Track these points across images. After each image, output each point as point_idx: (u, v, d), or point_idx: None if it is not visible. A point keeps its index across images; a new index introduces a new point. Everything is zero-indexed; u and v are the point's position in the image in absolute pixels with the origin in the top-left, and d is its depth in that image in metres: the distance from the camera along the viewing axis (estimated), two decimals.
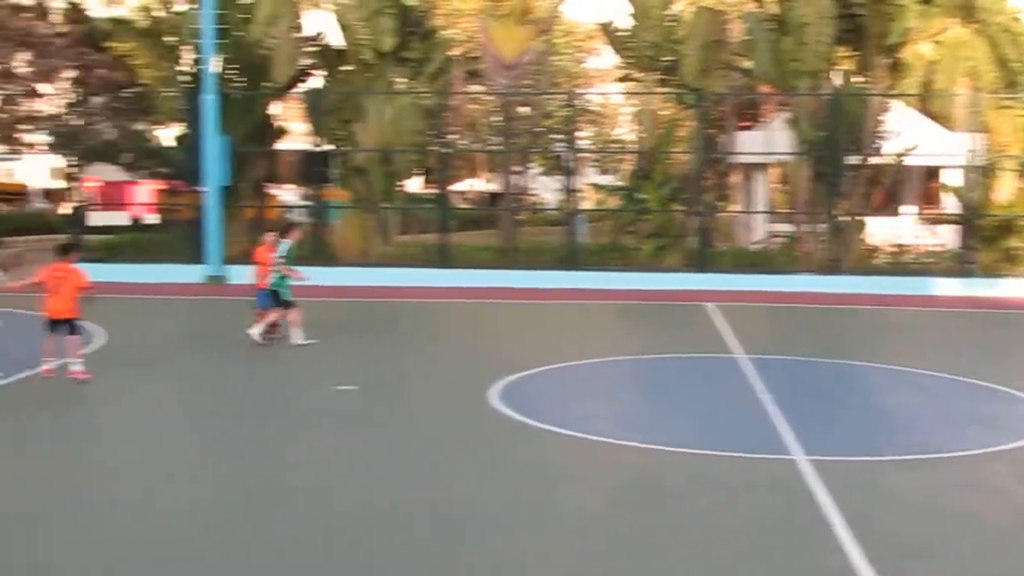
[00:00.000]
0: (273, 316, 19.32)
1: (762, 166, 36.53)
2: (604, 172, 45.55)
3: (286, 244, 19.22)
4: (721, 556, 9.40)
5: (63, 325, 16.11)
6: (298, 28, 33.19)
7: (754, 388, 16.15)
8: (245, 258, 30.11)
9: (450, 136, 34.74)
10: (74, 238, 18.44)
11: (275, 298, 19.19)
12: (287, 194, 39.05)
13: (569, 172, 32.94)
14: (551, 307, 26.31)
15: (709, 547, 9.61)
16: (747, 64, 34.46)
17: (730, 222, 36.70)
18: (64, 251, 16.59)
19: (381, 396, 15.71)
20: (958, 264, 30.80)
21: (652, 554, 9.47)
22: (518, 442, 13.38)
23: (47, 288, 16.02)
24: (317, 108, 32.31)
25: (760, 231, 35.00)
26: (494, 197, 47.93)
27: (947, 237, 32.83)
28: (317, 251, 30.29)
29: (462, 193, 52.32)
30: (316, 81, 35.30)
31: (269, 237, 20.18)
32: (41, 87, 38.45)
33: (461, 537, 9.85)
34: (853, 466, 12.13)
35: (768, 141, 33.33)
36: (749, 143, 35.60)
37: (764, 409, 14.70)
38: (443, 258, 30.44)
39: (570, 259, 30.77)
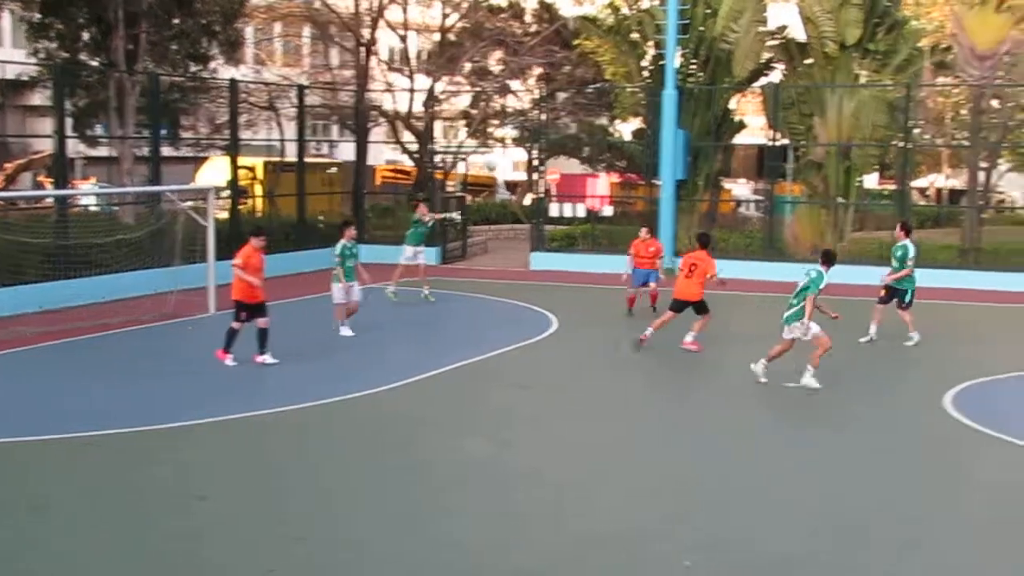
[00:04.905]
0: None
1: None
2: None
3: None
4: None
5: (689, 306, 18.41)
6: (762, 21, 33.08)
7: None
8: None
9: (913, 130, 33.42)
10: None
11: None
12: (740, 188, 39.13)
13: None
14: (1017, 311, 24.83)
15: None
16: None
17: None
18: (703, 241, 18.92)
19: (832, 395, 15.51)
20: None
21: None
22: (972, 451, 12.88)
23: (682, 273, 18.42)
24: (776, 102, 32.10)
25: None
26: (957, 194, 45.74)
27: None
28: (769, 246, 30.23)
29: (922, 190, 50.30)
30: (776, 75, 35.07)
31: (644, 233, 22.42)
32: (511, 84, 40.61)
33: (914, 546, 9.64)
34: None
35: None
36: None
37: None
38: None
39: None
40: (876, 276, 28.07)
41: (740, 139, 35.89)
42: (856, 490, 11.11)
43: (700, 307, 18.58)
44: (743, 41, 31.96)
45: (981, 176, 34.04)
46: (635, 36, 34.03)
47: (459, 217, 24.56)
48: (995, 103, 34.69)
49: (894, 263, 19.84)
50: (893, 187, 35.28)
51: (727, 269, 20.87)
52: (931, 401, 14.93)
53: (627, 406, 15.05)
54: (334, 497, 10.78)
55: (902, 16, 33.75)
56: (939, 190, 49.69)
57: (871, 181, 43.91)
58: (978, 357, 18.66)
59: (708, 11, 32.37)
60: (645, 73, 33.58)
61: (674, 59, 30.35)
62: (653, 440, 13.14)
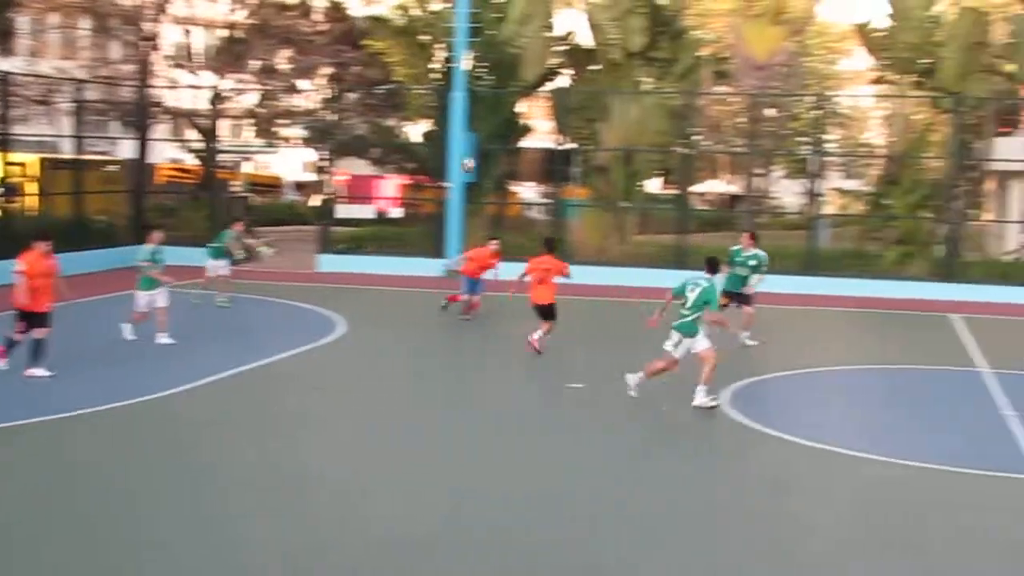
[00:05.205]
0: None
1: (1020, 174, 34.89)
2: (850, 177, 44.30)
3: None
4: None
5: (546, 309, 18.48)
6: (549, 27, 33.55)
7: (997, 404, 15.52)
8: None
9: (694, 137, 34.49)
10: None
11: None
12: (528, 191, 39.59)
13: (813, 176, 32.26)
14: (788, 312, 25.84)
15: (938, 564, 9.32)
16: (1010, 67, 32.97)
17: (981, 231, 35.23)
18: (549, 245, 19.19)
19: (610, 396, 15.79)
20: None
21: (878, 570, 9.26)
22: (746, 448, 13.30)
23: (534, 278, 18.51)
24: (563, 107, 32.61)
25: (1013, 241, 33.45)
26: (734, 199, 47.38)
27: None
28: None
29: (701, 194, 51.89)
30: (563, 80, 35.61)
31: (493, 244, 22.23)
32: (299, 83, 40.06)
33: (688, 541, 9.86)
34: None
35: None
36: (1007, 149, 34.01)
37: (1007, 426, 14.13)
38: (680, 259, 30.24)
39: (810, 264, 30.11)
40: (657, 278, 28.91)
41: (528, 143, 36.29)
42: (635, 487, 11.33)
43: (549, 311, 18.65)
44: (531, 46, 32.35)
45: (757, 181, 35.32)
46: (425, 38, 34.07)
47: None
48: (770, 112, 36.09)
49: (744, 271, 19.95)
50: (674, 192, 36.27)
51: (515, 272, 21.22)
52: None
53: (418, 408, 15.02)
54: (134, 499, 10.48)
55: (684, 25, 34.76)
56: (719, 194, 51.35)
57: (655, 186, 45.01)
58: (751, 357, 19.30)
59: (497, 15, 32.65)
60: (435, 75, 33.63)
61: (463, 61, 30.47)
62: (444, 441, 13.14)
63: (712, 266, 15.71)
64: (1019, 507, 10.87)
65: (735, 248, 20.36)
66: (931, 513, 10.67)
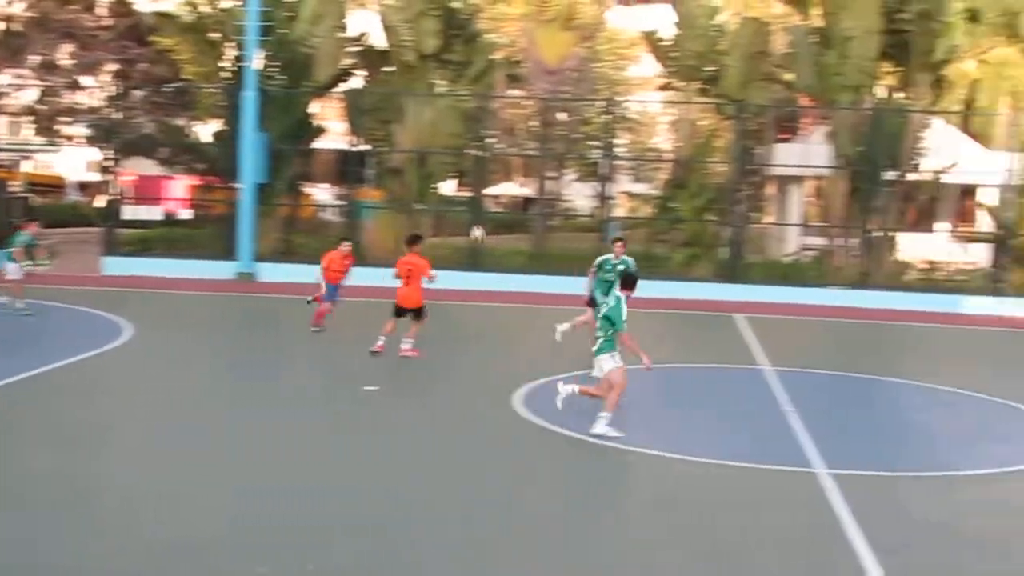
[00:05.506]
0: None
1: (798, 179, 36.40)
2: (639, 180, 45.41)
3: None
4: (737, 571, 9.39)
5: (411, 312, 18.25)
6: (342, 27, 33.28)
7: (779, 400, 16.12)
8: (277, 255, 30.43)
9: (487, 139, 34.77)
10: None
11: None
12: (322, 193, 39.22)
13: (604, 179, 32.92)
14: (580, 313, 26.22)
15: (725, 561, 9.58)
16: (789, 76, 34.34)
17: (763, 234, 36.60)
18: (412, 241, 18.73)
19: (404, 398, 15.76)
20: (990, 283, 30.58)
21: (667, 568, 9.47)
22: (539, 448, 13.43)
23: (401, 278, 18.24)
24: (356, 108, 32.41)
25: (792, 244, 34.88)
26: (527, 202, 47.97)
27: (980, 256, 32.54)
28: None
29: (495, 197, 52.32)
30: (357, 81, 35.40)
31: (345, 246, 21.56)
32: (83, 80, 38.80)
33: (471, 539, 9.89)
34: (874, 481, 12.10)
35: (805, 154, 33.19)
36: (786, 156, 35.48)
37: (787, 422, 14.68)
38: (474, 261, 30.45)
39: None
40: (451, 280, 28.95)
41: (321, 144, 35.94)
42: (429, 488, 11.29)
43: (419, 312, 18.44)
44: (324, 46, 32.05)
45: (550, 184, 35.83)
46: (215, 35, 33.38)
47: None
48: (563, 116, 36.66)
49: (612, 277, 19.80)
50: (468, 194, 36.49)
51: (308, 274, 21.07)
52: (501, 399, 15.45)
53: (204, 410, 14.66)
54: None
55: (478, 29, 35.01)
56: (512, 197, 51.92)
57: (449, 188, 45.19)
58: (547, 357, 19.52)
59: (289, 14, 32.22)
60: (225, 74, 32.96)
61: (254, 60, 29.96)
62: (231, 443, 12.85)
63: (628, 283, 14.74)
64: (802, 501, 11.28)
65: (605, 258, 20.22)
66: (723, 510, 10.95)
